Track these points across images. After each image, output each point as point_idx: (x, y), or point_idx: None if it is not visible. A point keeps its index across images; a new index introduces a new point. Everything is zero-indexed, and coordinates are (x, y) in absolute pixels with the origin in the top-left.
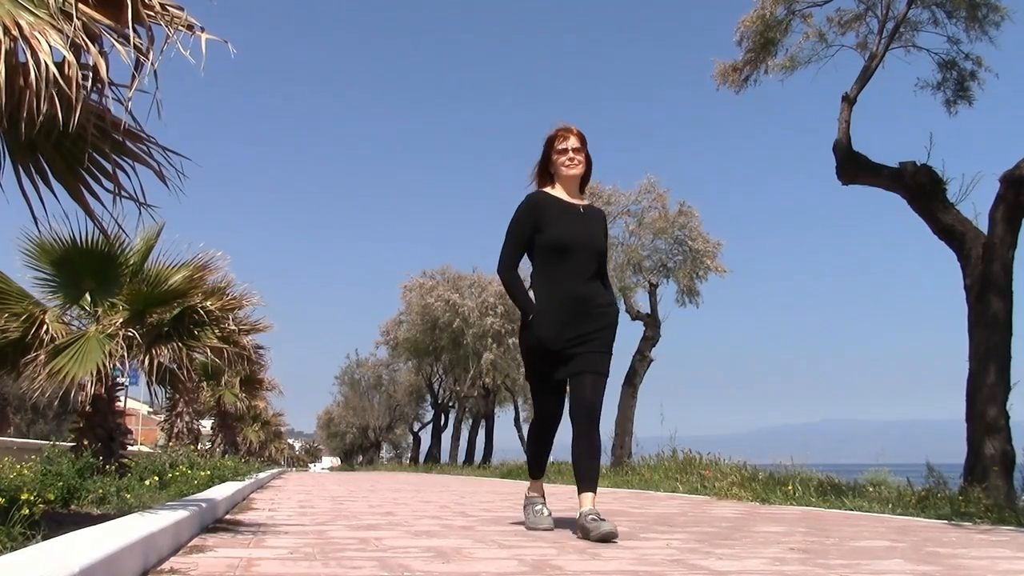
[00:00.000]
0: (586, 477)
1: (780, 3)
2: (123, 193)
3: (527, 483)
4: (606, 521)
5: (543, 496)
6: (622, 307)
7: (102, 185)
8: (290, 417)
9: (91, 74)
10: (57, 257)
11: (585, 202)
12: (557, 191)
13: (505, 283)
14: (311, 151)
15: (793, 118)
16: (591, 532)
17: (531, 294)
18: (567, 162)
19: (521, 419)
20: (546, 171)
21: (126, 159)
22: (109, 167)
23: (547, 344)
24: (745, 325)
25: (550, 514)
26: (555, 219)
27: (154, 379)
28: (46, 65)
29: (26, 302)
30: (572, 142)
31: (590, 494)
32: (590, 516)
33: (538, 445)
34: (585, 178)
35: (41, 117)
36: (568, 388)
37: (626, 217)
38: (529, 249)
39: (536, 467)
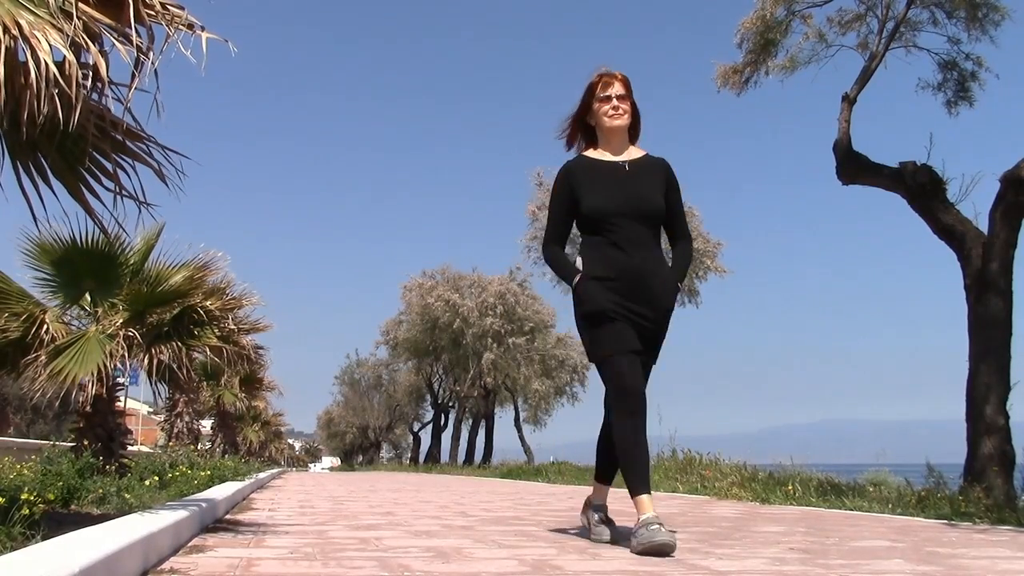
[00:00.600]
0: (612, 471)
1: (780, 4)
2: (123, 192)
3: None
4: (609, 529)
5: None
6: None
7: (102, 184)
8: (290, 417)
9: (91, 73)
10: (57, 257)
11: (635, 156)
12: (598, 152)
13: (547, 261)
14: (311, 151)
15: (793, 118)
16: (591, 532)
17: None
18: (611, 111)
19: (521, 419)
20: (582, 124)
21: (126, 158)
22: (109, 166)
23: (601, 304)
24: (745, 325)
25: (611, 525)
26: (592, 185)
27: (154, 378)
28: (46, 65)
29: (26, 302)
30: (616, 88)
31: (606, 488)
32: (598, 513)
33: (626, 435)
34: (634, 130)
35: (41, 117)
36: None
37: None
38: (577, 221)
39: (608, 470)
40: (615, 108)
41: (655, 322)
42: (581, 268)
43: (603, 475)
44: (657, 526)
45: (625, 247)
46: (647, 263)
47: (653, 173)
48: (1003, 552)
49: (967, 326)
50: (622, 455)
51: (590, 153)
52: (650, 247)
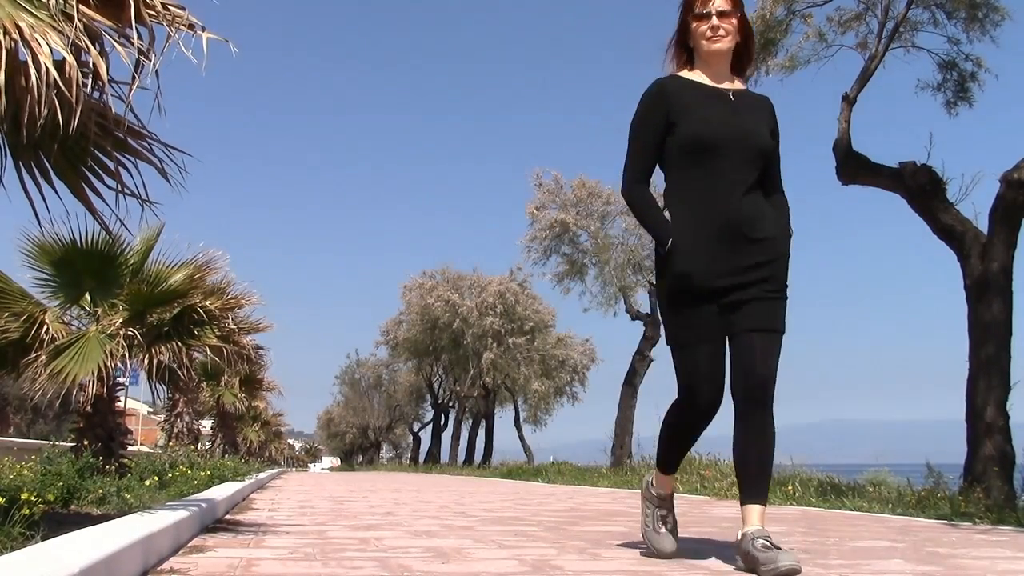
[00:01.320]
0: (752, 483)
1: (780, 3)
2: (126, 190)
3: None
4: (784, 550)
5: (671, 499)
6: (622, 307)
7: (104, 182)
8: (290, 417)
9: (91, 74)
10: (57, 257)
11: (739, 86)
12: (694, 74)
13: (630, 204)
14: (311, 150)
15: (793, 118)
16: (762, 565)
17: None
18: (708, 33)
19: (521, 419)
20: (685, 48)
21: (128, 156)
22: (111, 164)
23: (693, 282)
24: None
25: (675, 529)
26: (693, 110)
27: (154, 378)
28: (46, 68)
29: (26, 302)
30: (718, 3)
31: (758, 507)
32: (760, 540)
33: (681, 431)
34: (744, 53)
35: (42, 120)
36: (728, 349)
37: (626, 216)
38: (661, 157)
39: (670, 457)
40: (714, 29)
41: (770, 275)
42: (670, 219)
43: (670, 465)
44: (664, 532)
45: (728, 187)
46: (757, 208)
47: (759, 109)
48: (1003, 552)
49: (967, 326)
50: (666, 447)
51: (685, 74)
52: (757, 191)
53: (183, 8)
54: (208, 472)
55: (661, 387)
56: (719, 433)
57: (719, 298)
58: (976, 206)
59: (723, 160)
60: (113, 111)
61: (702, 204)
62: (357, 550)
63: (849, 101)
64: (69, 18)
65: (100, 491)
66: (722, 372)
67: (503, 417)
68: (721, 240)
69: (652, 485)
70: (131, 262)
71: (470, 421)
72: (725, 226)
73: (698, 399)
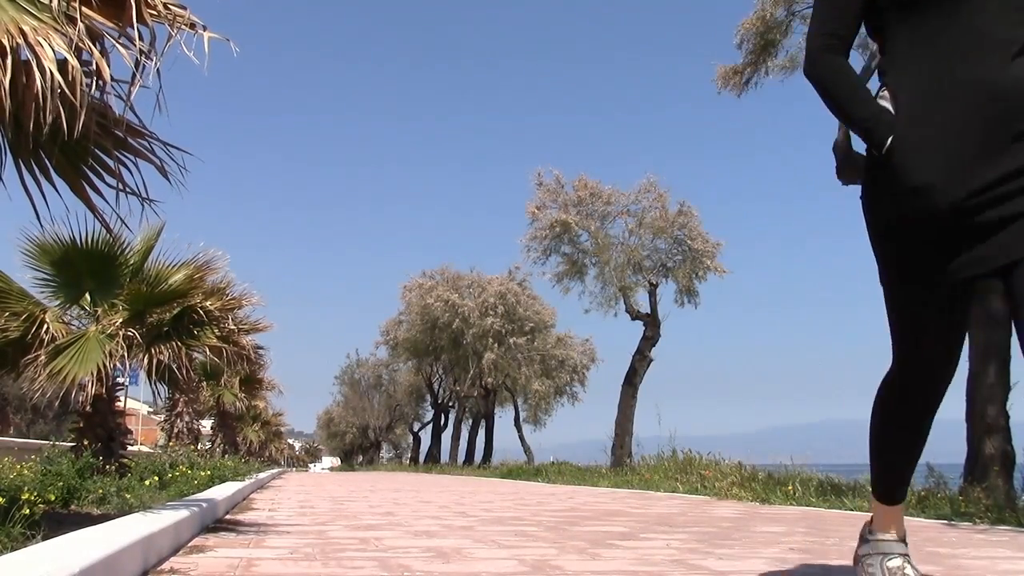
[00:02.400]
0: None
1: (780, 4)
2: (126, 189)
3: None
4: None
5: (904, 539)
6: (622, 307)
7: (104, 181)
8: (290, 417)
9: (93, 74)
10: (57, 257)
11: None
12: None
13: (817, 81)
14: (310, 150)
15: (793, 118)
16: None
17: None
18: None
19: (521, 419)
20: None
21: (128, 155)
22: (111, 163)
23: (934, 199)
24: (745, 325)
25: None
26: None
27: (154, 378)
28: (50, 72)
29: (26, 302)
30: None
31: None
32: None
33: (903, 429)
34: None
35: (47, 126)
36: (1008, 293)
37: (626, 217)
38: (867, 15)
39: (891, 478)
40: None
41: None
42: (893, 106)
43: (888, 484)
44: (902, 560)
45: (988, 52)
46: (1019, 74)
47: None
48: (1003, 552)
49: None
50: (880, 448)
51: None
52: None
53: (184, 8)
54: (208, 472)
55: (662, 387)
56: (719, 434)
57: (970, 217)
58: None
59: (975, 7)
60: (114, 110)
61: (945, 76)
62: (357, 550)
63: None
64: (71, 20)
65: (100, 491)
66: (962, 337)
67: (503, 417)
68: (976, 129)
69: (871, 530)
70: (131, 262)
71: (470, 421)
72: (984, 108)
73: (920, 366)
